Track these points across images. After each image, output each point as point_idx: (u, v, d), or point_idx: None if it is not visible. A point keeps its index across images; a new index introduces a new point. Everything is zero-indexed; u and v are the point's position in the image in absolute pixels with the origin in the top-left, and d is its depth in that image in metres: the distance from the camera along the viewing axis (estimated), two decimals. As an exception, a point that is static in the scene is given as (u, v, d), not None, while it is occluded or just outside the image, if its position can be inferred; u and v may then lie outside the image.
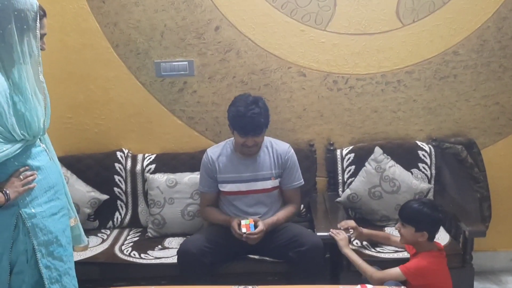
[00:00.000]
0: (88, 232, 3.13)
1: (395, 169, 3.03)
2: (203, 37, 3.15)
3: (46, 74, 3.09)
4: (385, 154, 3.06)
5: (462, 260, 2.69)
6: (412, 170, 3.10)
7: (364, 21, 3.10)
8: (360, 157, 3.13)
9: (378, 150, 3.07)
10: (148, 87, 3.24)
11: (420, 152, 3.12)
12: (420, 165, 3.12)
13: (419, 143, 3.16)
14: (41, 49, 2.00)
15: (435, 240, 2.45)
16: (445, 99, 3.19)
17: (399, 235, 2.51)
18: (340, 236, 2.58)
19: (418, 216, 2.39)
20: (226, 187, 2.82)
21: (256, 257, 2.73)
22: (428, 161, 3.12)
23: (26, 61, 1.92)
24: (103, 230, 3.18)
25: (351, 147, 3.19)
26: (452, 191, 3.16)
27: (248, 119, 2.61)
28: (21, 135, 1.93)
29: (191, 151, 3.23)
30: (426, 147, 3.14)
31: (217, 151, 2.87)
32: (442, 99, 3.19)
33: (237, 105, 2.67)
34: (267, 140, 2.87)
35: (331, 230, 2.64)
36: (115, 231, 3.17)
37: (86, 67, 3.22)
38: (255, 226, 2.63)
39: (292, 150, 2.88)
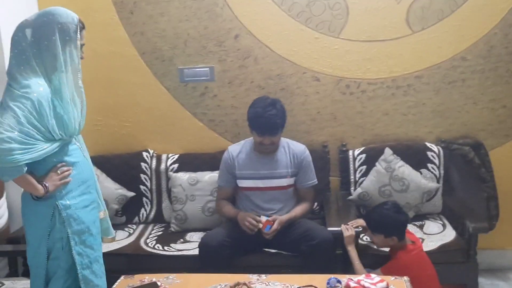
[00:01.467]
0: (116, 226, 3.33)
1: (405, 169, 3.18)
2: (223, 45, 3.36)
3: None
4: (395, 155, 3.22)
5: (467, 255, 2.83)
6: (421, 170, 3.24)
7: (375, 29, 3.27)
8: (371, 158, 3.29)
9: (388, 151, 3.23)
10: (172, 92, 3.46)
11: (429, 153, 3.27)
12: (429, 165, 3.26)
13: (428, 144, 3.30)
14: (80, 58, 2.21)
15: (407, 230, 2.66)
16: (454, 102, 3.33)
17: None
18: (348, 232, 2.73)
19: (384, 224, 2.60)
20: (244, 183, 3.02)
21: (272, 250, 2.91)
22: (436, 161, 3.26)
23: (67, 69, 2.13)
24: (129, 225, 3.41)
25: (362, 148, 3.35)
26: (460, 190, 3.30)
27: (265, 119, 2.80)
28: (59, 135, 2.14)
29: (211, 151, 3.44)
30: (435, 148, 3.28)
31: (237, 149, 3.07)
32: (450, 103, 3.34)
33: (256, 107, 2.86)
34: (284, 141, 3.06)
35: (342, 225, 2.80)
36: (141, 226, 3.39)
37: (115, 73, 3.47)
38: (271, 225, 2.82)
39: (308, 152, 3.06)
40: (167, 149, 3.52)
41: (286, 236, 2.86)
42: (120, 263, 2.96)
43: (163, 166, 3.43)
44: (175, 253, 2.96)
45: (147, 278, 2.42)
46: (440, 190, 3.25)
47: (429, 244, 2.86)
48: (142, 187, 3.44)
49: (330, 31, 3.30)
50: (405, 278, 2.29)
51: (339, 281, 2.22)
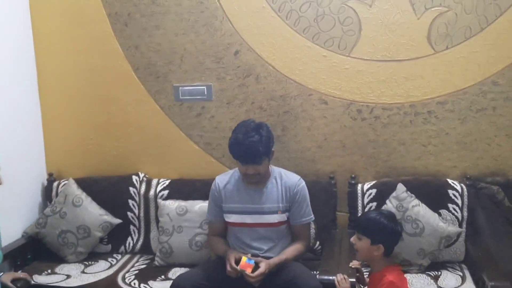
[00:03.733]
0: (100, 255, 3.12)
1: (419, 209, 2.75)
2: (222, 61, 3.07)
3: (72, 94, 3.21)
4: (409, 192, 2.80)
5: (486, 317, 2.37)
6: (440, 211, 2.80)
7: (392, 47, 2.89)
8: (383, 194, 2.88)
9: (401, 187, 2.81)
10: (166, 111, 3.19)
11: (451, 192, 2.83)
12: (450, 205, 2.82)
13: (450, 181, 2.86)
14: None
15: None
16: (482, 133, 2.89)
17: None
18: (343, 286, 2.33)
19: (374, 227, 2.23)
20: (231, 218, 2.68)
21: (258, 296, 2.56)
22: (459, 201, 2.81)
23: None
24: (114, 255, 3.13)
25: (373, 182, 2.95)
26: (486, 236, 2.83)
27: (245, 147, 2.47)
28: None
29: (207, 177, 3.10)
30: (458, 186, 2.84)
31: (225, 179, 2.74)
32: (478, 133, 2.89)
33: (237, 132, 2.54)
34: (277, 171, 2.71)
35: (337, 276, 2.39)
36: (126, 257, 3.11)
37: (107, 89, 3.24)
38: (257, 267, 2.45)
39: (303, 183, 2.70)
40: (160, 172, 3.24)
41: (272, 282, 2.49)
42: (90, 299, 2.70)
43: (152, 192, 3.15)
44: (151, 292, 2.66)
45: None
46: (462, 235, 2.80)
47: (442, 302, 2.43)
48: (129, 213, 3.16)
49: (340, 48, 2.94)
50: None
51: None
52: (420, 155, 2.97)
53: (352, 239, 2.30)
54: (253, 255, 2.57)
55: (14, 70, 3.09)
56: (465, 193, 2.82)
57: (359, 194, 2.95)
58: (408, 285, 2.31)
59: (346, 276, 2.35)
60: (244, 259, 2.46)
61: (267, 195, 2.65)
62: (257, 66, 3.04)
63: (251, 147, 2.48)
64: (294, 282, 2.40)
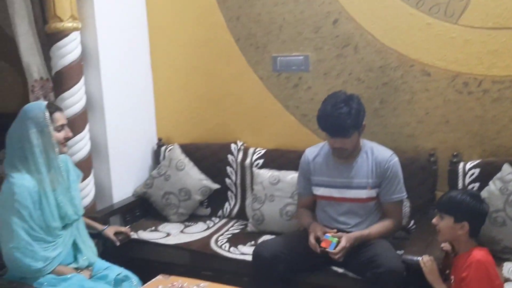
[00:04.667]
0: (200, 218, 3.31)
1: (527, 193, 2.49)
2: (320, 31, 3.01)
3: (180, 66, 3.37)
4: (517, 174, 2.54)
5: None
6: (554, 196, 2.51)
7: (506, 13, 2.61)
8: (487, 174, 2.64)
9: (507, 168, 2.55)
10: (264, 82, 3.23)
11: None
12: None
13: None
14: (67, 137, 2.39)
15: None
16: None
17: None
18: (429, 267, 2.21)
19: (458, 205, 2.12)
20: (318, 191, 2.67)
21: (339, 270, 2.53)
22: None
23: (50, 157, 2.29)
24: (213, 218, 3.30)
25: (477, 161, 2.72)
26: None
27: (333, 119, 2.41)
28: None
29: (302, 149, 3.03)
30: None
31: (314, 152, 2.72)
32: None
33: (326, 103, 2.49)
34: (369, 145, 2.62)
35: (423, 257, 2.27)
36: (223, 221, 3.26)
37: (211, 60, 3.36)
38: (337, 243, 2.42)
39: (396, 159, 2.58)
40: (257, 142, 3.31)
41: (354, 257, 2.44)
42: (184, 256, 2.88)
43: (248, 160, 3.24)
44: (238, 256, 2.76)
45: (181, 281, 2.27)
46: None
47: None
48: (227, 180, 3.30)
49: (446, 15, 2.72)
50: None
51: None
52: (535, 134, 2.67)
53: (434, 220, 2.16)
54: (340, 230, 2.54)
55: (129, 43, 3.32)
56: None
57: (460, 174, 2.73)
58: (498, 272, 2.13)
59: (433, 258, 2.24)
60: (327, 238, 2.44)
61: (356, 169, 2.58)
62: (356, 35, 2.93)
63: (339, 119, 2.42)
64: (375, 260, 2.33)
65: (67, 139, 2.40)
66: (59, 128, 2.34)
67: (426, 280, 2.20)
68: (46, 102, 2.38)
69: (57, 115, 2.34)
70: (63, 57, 2.90)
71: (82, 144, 2.98)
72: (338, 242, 2.42)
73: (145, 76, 3.49)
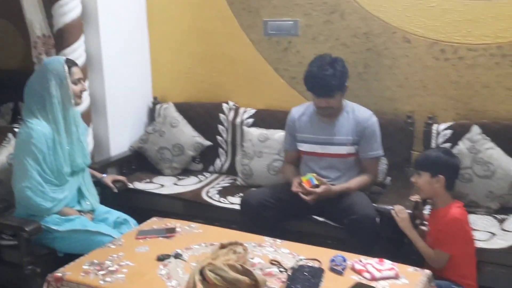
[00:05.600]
0: (192, 172, 3.52)
1: (493, 152, 2.72)
2: (310, -3, 3.18)
3: (176, 27, 3.53)
4: (484, 135, 2.77)
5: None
6: (518, 156, 2.75)
7: (482, -16, 2.79)
8: (458, 135, 2.87)
9: (476, 129, 2.79)
10: (256, 45, 3.41)
11: (531, 138, 2.75)
12: (529, 152, 2.75)
13: (531, 127, 2.77)
14: (83, 90, 2.58)
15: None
16: None
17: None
18: (401, 216, 2.44)
19: (433, 160, 2.35)
20: (302, 147, 2.88)
21: (320, 219, 2.77)
22: (539, 149, 2.73)
23: (66, 107, 2.49)
24: (204, 173, 3.52)
25: (450, 123, 2.94)
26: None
27: (318, 79, 2.61)
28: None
29: (289, 109, 3.29)
30: (540, 133, 2.74)
31: (300, 110, 2.93)
32: None
33: (312, 65, 2.68)
34: (350, 105, 2.83)
35: (395, 206, 2.50)
36: (214, 175, 3.48)
37: (206, 22, 3.52)
38: (317, 186, 2.64)
39: (374, 119, 2.80)
40: (248, 102, 3.50)
41: (333, 206, 2.68)
42: (177, 206, 3.10)
43: (239, 119, 3.44)
44: (227, 205, 2.98)
45: (174, 222, 2.50)
46: (540, 183, 2.73)
47: (497, 242, 2.44)
48: (219, 137, 3.50)
49: (427, -14, 2.90)
50: (427, 271, 2.00)
51: (344, 260, 2.04)
52: (503, 99, 2.88)
53: (412, 178, 2.39)
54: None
55: (127, 3, 3.47)
56: (547, 140, 2.73)
57: (434, 134, 2.96)
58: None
59: (404, 208, 2.47)
60: (308, 176, 2.66)
61: (338, 127, 2.79)
62: (343, 2, 3.10)
63: (324, 80, 2.62)
64: (351, 208, 2.57)
65: (83, 91, 2.59)
66: (76, 82, 2.52)
67: (398, 227, 2.44)
68: (65, 57, 2.56)
69: (74, 69, 2.53)
70: (64, 15, 3.05)
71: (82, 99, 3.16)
72: (317, 186, 2.64)
73: (142, 36, 3.65)
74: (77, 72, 2.56)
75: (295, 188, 2.68)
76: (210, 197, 3.09)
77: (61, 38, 3.09)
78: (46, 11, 3.18)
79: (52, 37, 3.20)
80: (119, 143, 3.49)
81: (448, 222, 2.29)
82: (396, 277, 1.95)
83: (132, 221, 2.65)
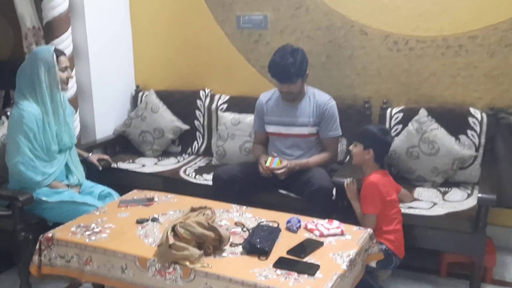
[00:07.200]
0: (172, 154, 3.83)
1: (437, 132, 3.06)
2: (278, -7, 3.50)
3: (156, 20, 3.85)
4: (429, 117, 3.10)
5: (474, 226, 2.69)
6: (460, 136, 3.10)
7: (429, -17, 3.13)
8: (408, 117, 3.20)
9: (423, 112, 3.13)
10: (229, 37, 3.72)
11: (471, 119, 3.09)
12: (469, 132, 3.09)
13: (471, 110, 3.11)
14: (69, 77, 2.86)
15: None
16: (510, 68, 3.07)
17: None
18: (350, 188, 2.77)
19: (367, 135, 2.70)
20: (269, 128, 3.20)
21: (284, 192, 3.09)
22: (477, 129, 3.08)
23: (54, 92, 2.76)
24: (183, 154, 3.83)
25: (401, 107, 3.28)
26: (504, 163, 3.08)
27: (280, 67, 2.93)
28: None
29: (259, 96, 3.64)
30: (478, 115, 3.09)
31: (267, 96, 3.25)
32: (506, 68, 3.08)
33: (275, 55, 2.99)
34: (311, 91, 3.15)
35: (347, 179, 2.82)
36: (192, 157, 3.79)
37: (184, 16, 3.83)
38: (279, 163, 2.97)
39: (333, 103, 3.12)
40: (223, 89, 3.82)
41: (295, 180, 3.01)
42: (157, 183, 3.40)
43: (214, 105, 3.75)
44: (201, 181, 3.30)
45: (152, 193, 2.81)
46: (478, 159, 3.08)
47: (437, 210, 2.78)
48: (196, 122, 3.82)
49: (381, -17, 3.23)
50: (369, 230, 2.33)
51: (299, 221, 2.36)
52: (449, 85, 3.23)
53: (350, 146, 2.74)
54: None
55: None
56: (484, 121, 3.07)
57: (388, 117, 3.30)
58: (405, 192, 2.73)
59: (354, 180, 2.80)
60: (270, 158, 2.99)
61: (300, 110, 3.11)
62: (308, -2, 3.43)
63: (285, 67, 2.94)
64: (310, 181, 2.89)
65: (69, 78, 2.88)
66: (63, 69, 2.81)
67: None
68: (53, 47, 2.85)
69: (62, 58, 2.82)
70: (53, 9, 3.33)
71: (69, 86, 3.43)
72: (280, 163, 2.97)
73: (125, 29, 3.95)
74: (64, 61, 2.84)
75: (262, 170, 3.00)
76: (187, 175, 3.40)
77: (50, 30, 3.37)
78: (36, 5, 3.45)
79: (41, 29, 3.48)
80: (104, 127, 3.79)
81: (365, 186, 2.66)
82: (342, 234, 2.28)
83: (115, 194, 2.95)
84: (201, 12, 3.75)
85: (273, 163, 2.98)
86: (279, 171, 2.96)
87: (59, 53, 2.83)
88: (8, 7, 3.65)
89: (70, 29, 3.44)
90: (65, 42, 3.40)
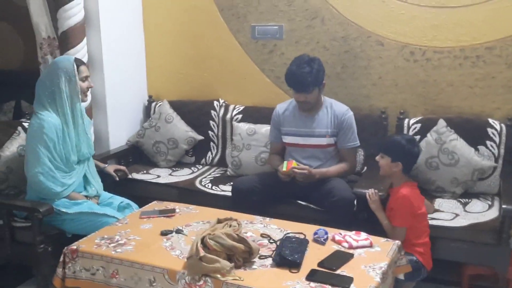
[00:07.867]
0: (186, 165, 3.81)
1: (456, 143, 3.06)
2: (293, 4, 3.51)
3: (169, 31, 3.83)
4: (448, 127, 3.10)
5: (498, 237, 2.68)
6: (478, 147, 3.09)
7: (446, -6, 3.14)
8: (426, 128, 3.20)
9: (441, 122, 3.13)
10: (244, 47, 3.72)
11: (490, 130, 3.09)
12: (488, 143, 3.09)
13: (490, 120, 3.11)
14: (89, 87, 2.87)
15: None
16: (528, 78, 3.08)
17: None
18: (372, 198, 2.75)
19: (395, 147, 2.65)
20: (286, 139, 3.19)
21: (303, 203, 3.07)
22: (497, 139, 3.08)
23: (74, 102, 2.76)
24: (197, 165, 3.81)
25: (419, 118, 3.28)
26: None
27: (297, 76, 2.92)
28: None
29: (275, 106, 3.61)
30: (497, 125, 3.09)
31: (284, 106, 3.24)
32: (524, 78, 3.09)
33: (292, 64, 2.99)
34: (329, 101, 3.14)
35: (369, 190, 2.81)
36: (206, 167, 3.77)
37: (197, 27, 3.83)
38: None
39: (350, 113, 3.11)
40: (237, 99, 3.81)
41: (315, 191, 2.99)
42: (172, 193, 3.37)
43: (229, 115, 3.74)
44: (219, 192, 3.27)
45: (173, 204, 2.78)
46: (498, 170, 3.07)
47: (459, 221, 2.77)
48: (210, 132, 3.80)
49: (398, -5, 3.24)
50: (397, 242, 2.32)
51: (326, 233, 2.34)
52: (466, 96, 3.23)
53: (377, 157, 2.72)
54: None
55: (126, 10, 3.76)
56: (504, 132, 3.07)
57: (405, 128, 3.29)
58: (427, 204, 2.71)
59: (376, 191, 2.79)
60: (286, 162, 2.97)
61: (318, 121, 3.11)
62: (323, 9, 3.43)
63: (302, 77, 2.93)
64: (330, 192, 2.88)
65: (89, 88, 2.86)
66: (83, 79, 2.81)
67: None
68: (74, 57, 2.84)
69: (82, 68, 2.82)
70: (68, 19, 3.32)
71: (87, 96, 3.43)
72: (296, 165, 2.96)
73: (139, 39, 3.94)
74: (84, 71, 2.83)
75: (282, 176, 2.98)
76: (203, 186, 3.38)
77: (66, 40, 3.36)
78: (51, 15, 3.44)
79: (56, 39, 3.46)
80: (118, 138, 3.76)
81: (396, 199, 2.63)
82: (370, 245, 2.27)
83: (134, 205, 2.93)
84: (215, 23, 3.75)
85: (290, 164, 2.96)
86: (299, 171, 2.94)
87: (79, 62, 2.82)
88: (18, 18, 3.64)
89: (85, 39, 3.42)
90: (80, 52, 3.38)
